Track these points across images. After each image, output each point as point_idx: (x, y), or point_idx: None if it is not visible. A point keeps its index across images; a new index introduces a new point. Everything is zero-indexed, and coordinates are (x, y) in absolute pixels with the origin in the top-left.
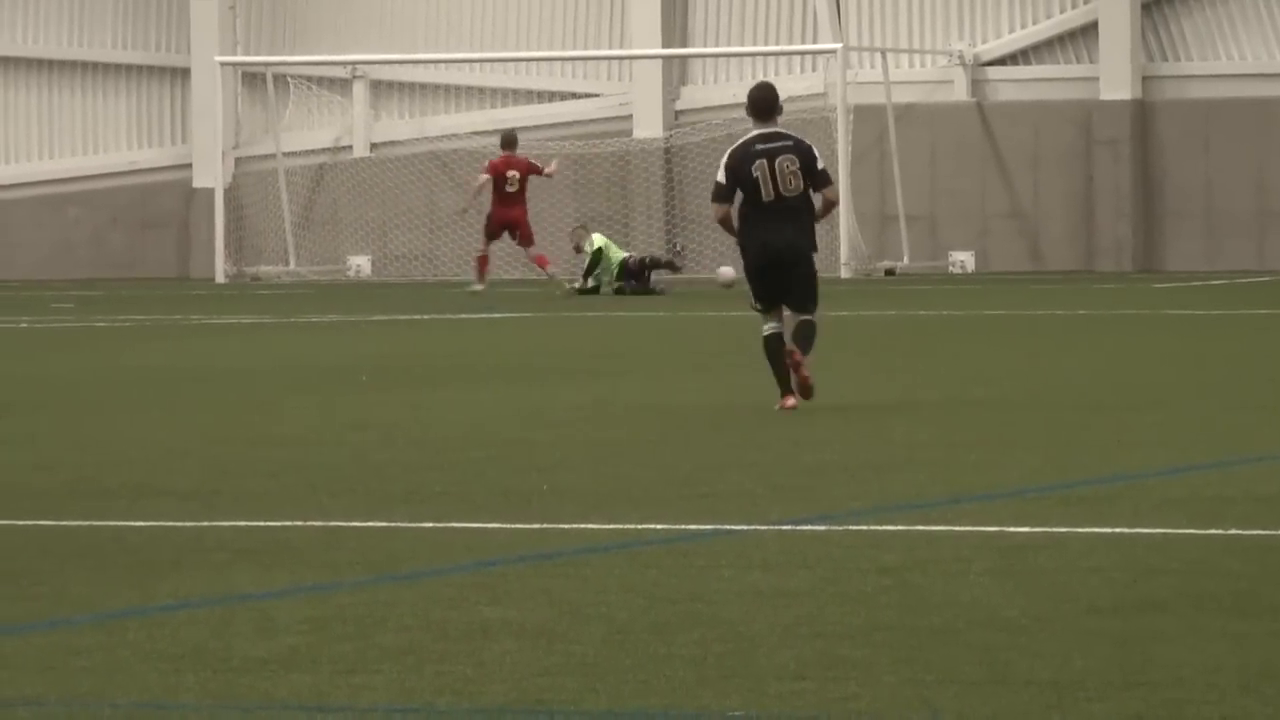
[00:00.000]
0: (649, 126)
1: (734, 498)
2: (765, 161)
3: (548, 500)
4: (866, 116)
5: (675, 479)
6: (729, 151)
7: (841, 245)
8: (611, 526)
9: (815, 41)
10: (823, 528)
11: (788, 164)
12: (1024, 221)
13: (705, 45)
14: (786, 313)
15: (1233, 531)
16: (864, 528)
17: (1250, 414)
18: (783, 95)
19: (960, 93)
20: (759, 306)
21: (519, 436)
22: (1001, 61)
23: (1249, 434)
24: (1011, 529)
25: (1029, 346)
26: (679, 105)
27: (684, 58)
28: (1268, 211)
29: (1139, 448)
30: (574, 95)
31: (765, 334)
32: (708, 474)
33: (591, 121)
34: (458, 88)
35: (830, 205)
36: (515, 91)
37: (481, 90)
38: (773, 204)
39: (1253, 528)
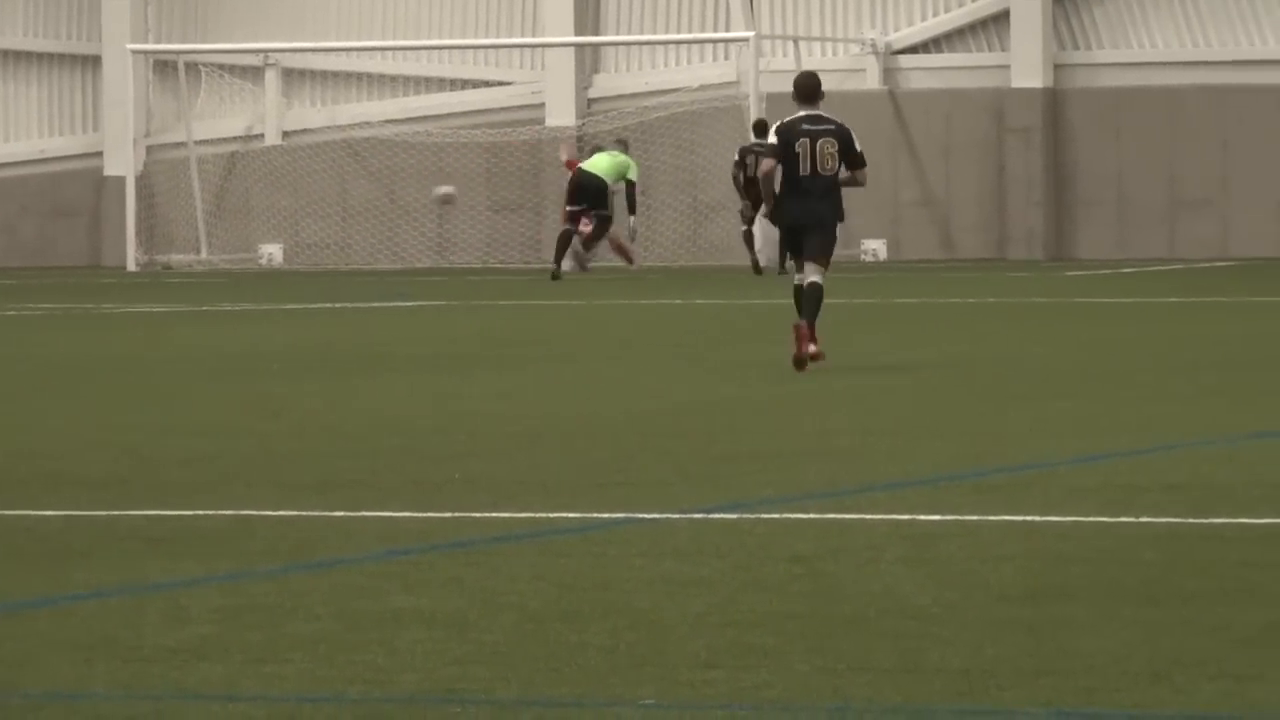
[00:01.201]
0: (561, 114)
1: (646, 486)
2: (809, 140)
3: (460, 489)
4: (779, 105)
5: (588, 468)
6: (778, 124)
7: (757, 235)
8: (524, 515)
9: (728, 30)
10: (735, 516)
11: (828, 146)
12: (936, 209)
13: (618, 33)
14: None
15: (1144, 520)
16: (776, 516)
17: (1161, 402)
18: (694, 83)
19: (872, 81)
20: (789, 263)
21: (432, 425)
22: (913, 50)
23: (1160, 422)
24: (924, 517)
25: (941, 335)
26: (591, 93)
27: (596, 45)
28: (1178, 200)
29: (1051, 436)
30: (486, 83)
31: (795, 284)
32: (620, 463)
33: (504, 109)
34: (370, 76)
35: (859, 184)
36: (427, 79)
37: (394, 78)
38: (808, 178)
39: (1164, 515)
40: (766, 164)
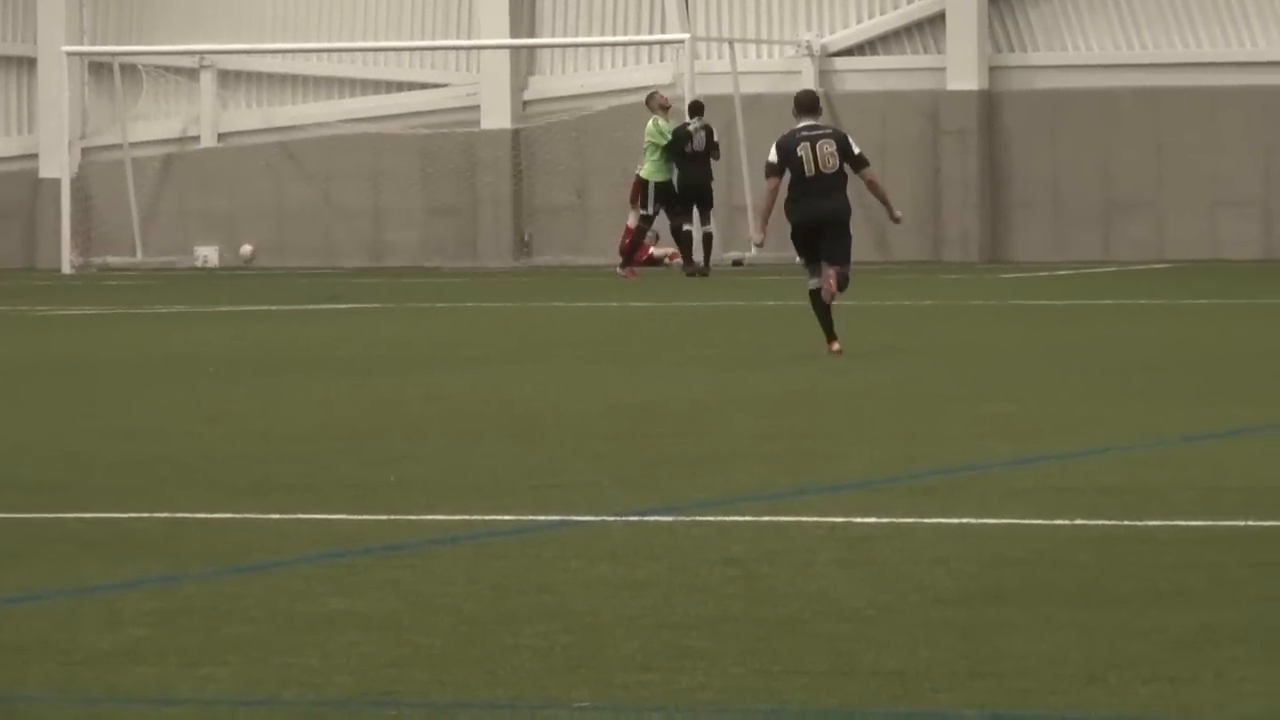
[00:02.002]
0: (497, 117)
1: (581, 489)
2: (809, 144)
3: (395, 491)
4: (714, 107)
5: (523, 470)
6: (780, 138)
7: (695, 235)
8: (459, 518)
9: (663, 32)
10: (669, 519)
11: (827, 147)
12: (870, 211)
13: (553, 35)
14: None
15: (1078, 522)
16: (711, 519)
17: (1096, 405)
18: (628, 85)
19: (808, 82)
20: (802, 260)
21: (367, 428)
22: (849, 52)
23: (1095, 425)
24: (858, 520)
25: (876, 337)
26: (527, 95)
27: (532, 48)
28: (1113, 202)
29: (986, 438)
30: (422, 85)
31: (810, 289)
32: (555, 465)
33: (439, 112)
34: (306, 78)
35: (875, 186)
36: (363, 81)
37: (329, 80)
38: (814, 178)
39: (1098, 518)
40: (768, 184)
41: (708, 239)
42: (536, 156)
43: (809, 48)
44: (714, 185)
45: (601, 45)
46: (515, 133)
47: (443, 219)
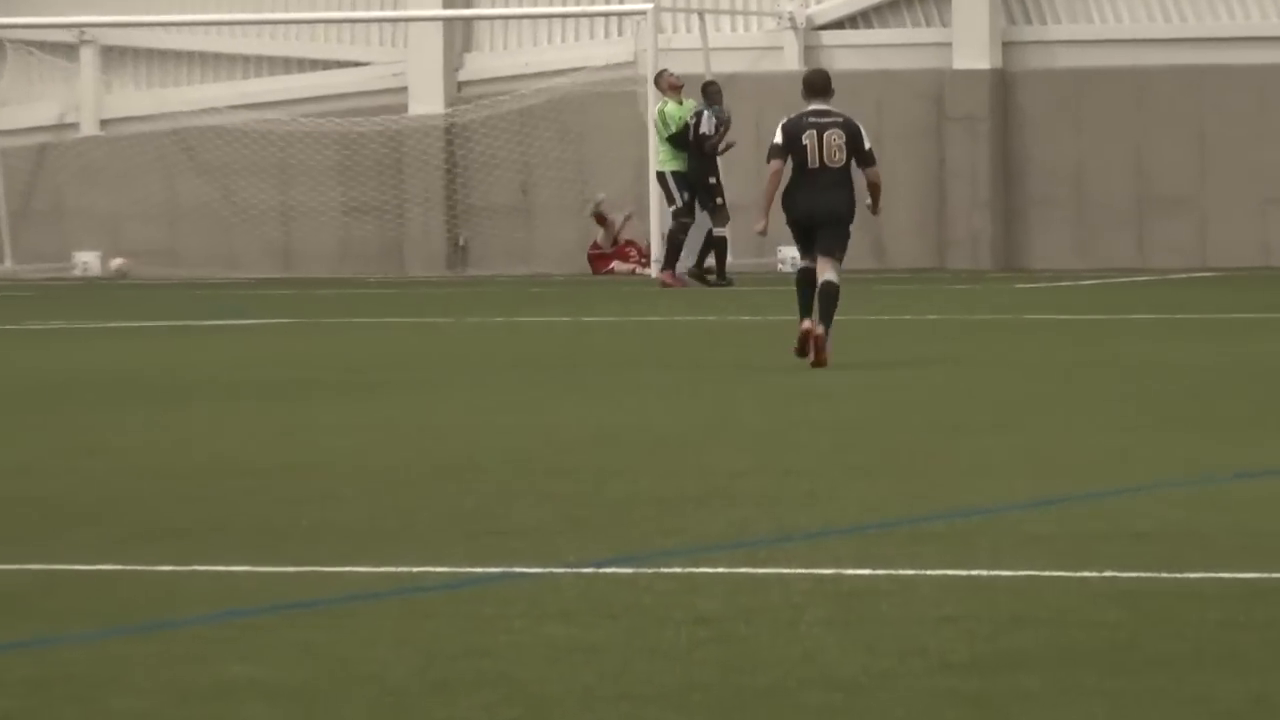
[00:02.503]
0: (427, 101)
1: (527, 535)
2: (815, 132)
3: (309, 538)
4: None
5: (458, 513)
6: (785, 120)
7: (653, 241)
8: (383, 569)
9: (622, 1)
10: (630, 570)
11: (834, 138)
12: (864, 211)
13: (493, 5)
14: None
15: (1108, 574)
16: (678, 570)
17: (1128, 436)
18: (583, 64)
19: (791, 61)
20: (801, 258)
21: (276, 464)
22: (839, 24)
23: (1128, 460)
24: (850, 571)
25: (870, 358)
26: (462, 75)
27: (468, 19)
28: (1148, 198)
29: (999, 476)
30: (339, 64)
31: (799, 267)
32: (497, 507)
33: (359, 95)
34: (203, 55)
35: (874, 189)
36: (270, 59)
37: (231, 58)
38: (816, 171)
39: (1132, 569)
40: (771, 167)
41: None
42: (473, 148)
43: (792, 20)
44: (711, 180)
45: (549, 17)
46: (448, 119)
47: (363, 220)
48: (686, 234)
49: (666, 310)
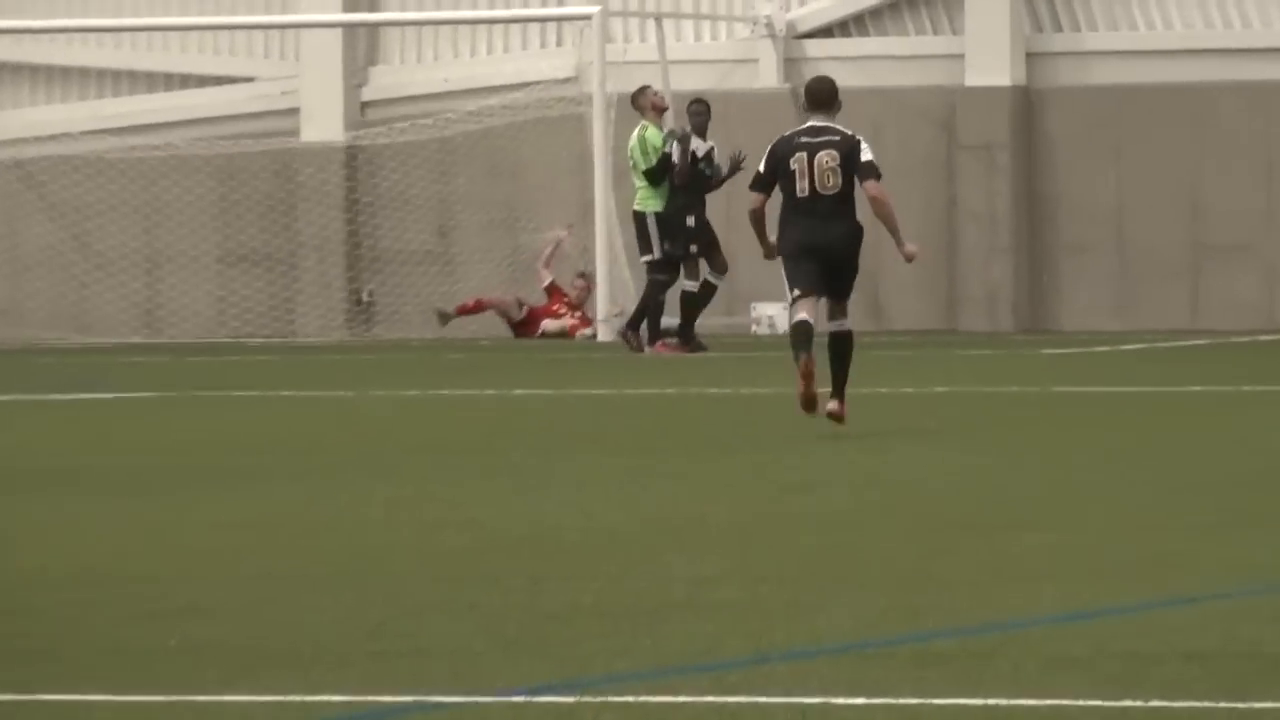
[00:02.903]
0: (323, 124)
1: (446, 656)
2: (805, 155)
3: (177, 660)
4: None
5: (360, 629)
6: (776, 140)
7: (600, 296)
8: (268, 698)
9: (561, 4)
10: (571, 699)
11: (827, 159)
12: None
13: (403, 9)
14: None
15: (1155, 704)
16: (630, 699)
17: (1180, 536)
18: (513, 80)
19: (768, 75)
20: (797, 293)
21: (135, 570)
22: (826, 32)
23: (1178, 564)
24: (841, 700)
25: (866, 439)
26: (366, 94)
27: (373, 26)
28: (1204, 246)
29: (1022, 583)
30: (216, 80)
31: (796, 320)
32: (408, 622)
33: (241, 117)
34: (50, 69)
35: (880, 204)
36: (134, 75)
37: (84, 72)
38: (806, 200)
39: (1184, 697)
40: (751, 200)
41: (684, 297)
42: (380, 181)
43: (769, 26)
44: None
45: (473, 23)
46: (350, 147)
47: (246, 271)
48: (664, 294)
49: (615, 382)
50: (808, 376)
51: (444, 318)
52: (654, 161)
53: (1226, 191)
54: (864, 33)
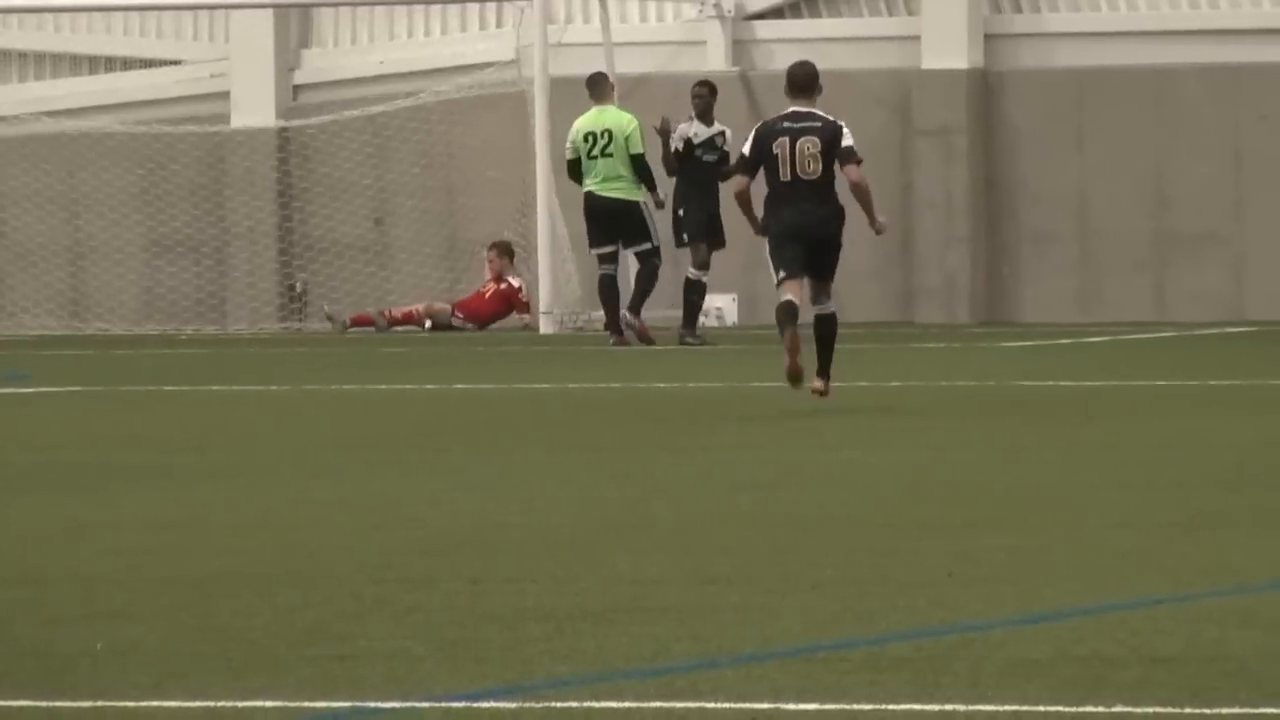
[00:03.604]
0: (254, 109)
1: (382, 659)
2: (787, 140)
3: (104, 665)
4: (578, 93)
5: (294, 632)
6: (759, 125)
7: (542, 287)
8: (199, 704)
9: None
10: (513, 704)
11: (808, 146)
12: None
13: None
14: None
15: (1118, 708)
16: (574, 705)
17: (1143, 536)
18: (457, 62)
19: (716, 58)
20: (783, 274)
21: (60, 571)
22: (777, 12)
23: (1141, 565)
24: (792, 706)
25: (816, 436)
26: (298, 78)
27: (305, 7)
28: (1169, 234)
29: (980, 584)
30: (142, 62)
31: (781, 301)
32: (344, 624)
33: (168, 101)
34: None
35: (859, 190)
36: (57, 57)
37: (5, 55)
38: (787, 185)
39: (1148, 702)
40: (736, 183)
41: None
42: (314, 169)
43: (717, 6)
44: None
45: (411, 4)
46: (282, 133)
47: (174, 261)
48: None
49: (559, 377)
50: (793, 350)
51: (338, 323)
52: (645, 148)
53: (1192, 178)
54: (816, 14)
